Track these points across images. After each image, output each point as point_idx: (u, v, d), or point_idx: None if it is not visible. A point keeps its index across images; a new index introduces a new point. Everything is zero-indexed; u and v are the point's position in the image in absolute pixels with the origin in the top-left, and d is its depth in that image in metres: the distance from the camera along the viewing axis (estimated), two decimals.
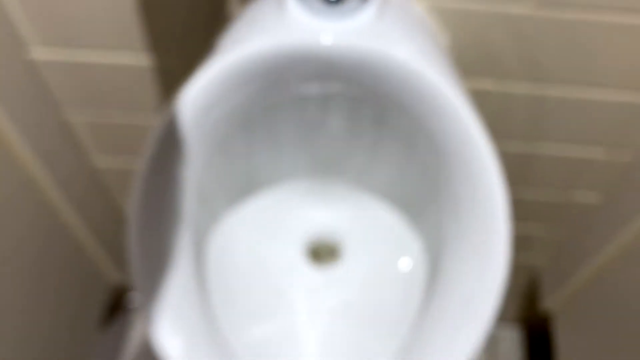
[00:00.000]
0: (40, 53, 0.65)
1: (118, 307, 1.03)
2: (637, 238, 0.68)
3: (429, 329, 0.47)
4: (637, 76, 0.60)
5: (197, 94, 0.43)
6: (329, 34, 0.44)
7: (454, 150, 0.43)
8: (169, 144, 0.45)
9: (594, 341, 0.81)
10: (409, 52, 0.42)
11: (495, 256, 0.42)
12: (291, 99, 0.54)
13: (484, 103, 0.63)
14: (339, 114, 0.57)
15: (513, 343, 1.07)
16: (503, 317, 1.07)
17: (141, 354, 1.03)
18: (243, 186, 0.62)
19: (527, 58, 0.59)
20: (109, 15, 0.60)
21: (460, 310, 0.44)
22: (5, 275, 0.69)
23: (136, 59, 0.64)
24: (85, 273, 0.91)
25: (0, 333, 0.69)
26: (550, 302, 0.91)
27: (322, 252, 0.63)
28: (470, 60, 0.59)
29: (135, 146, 0.76)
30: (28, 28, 0.62)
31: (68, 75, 0.67)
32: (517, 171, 0.74)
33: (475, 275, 0.43)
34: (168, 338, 0.45)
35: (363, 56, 0.42)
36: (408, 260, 0.60)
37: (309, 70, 0.44)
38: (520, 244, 0.87)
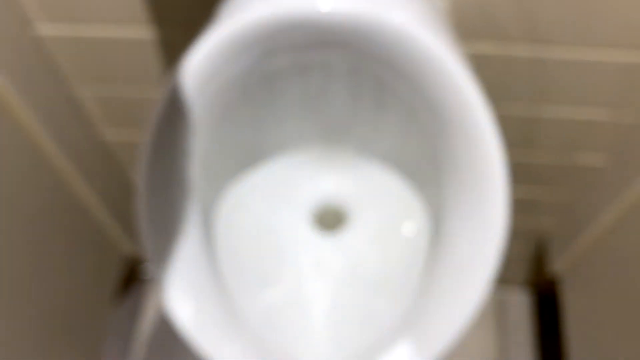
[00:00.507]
0: (45, 29, 0.66)
1: (132, 278, 1.05)
2: None
3: (433, 289, 0.48)
4: None
5: (197, 64, 0.43)
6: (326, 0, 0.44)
7: (451, 114, 0.44)
8: (173, 114, 0.45)
9: (602, 303, 0.81)
10: (406, 16, 0.42)
11: (493, 215, 0.43)
12: (291, 67, 0.54)
13: (485, 67, 0.63)
14: (341, 81, 0.57)
15: (522, 306, 1.08)
16: (512, 280, 1.08)
17: (156, 325, 1.05)
18: (248, 155, 0.63)
19: (528, 19, 0.59)
20: None
21: (461, 269, 0.45)
22: (19, 249, 0.70)
23: (140, 31, 0.65)
24: (99, 246, 0.92)
25: (15, 307, 0.71)
26: (558, 265, 0.92)
27: (328, 219, 0.64)
28: (470, 24, 0.59)
29: (144, 118, 0.77)
30: (33, 5, 0.63)
31: (74, 50, 0.68)
32: (521, 135, 0.74)
33: (475, 234, 0.44)
34: (180, 304, 0.47)
35: (360, 22, 0.42)
36: (412, 224, 0.61)
37: (308, 38, 0.44)
38: (527, 207, 0.88)
